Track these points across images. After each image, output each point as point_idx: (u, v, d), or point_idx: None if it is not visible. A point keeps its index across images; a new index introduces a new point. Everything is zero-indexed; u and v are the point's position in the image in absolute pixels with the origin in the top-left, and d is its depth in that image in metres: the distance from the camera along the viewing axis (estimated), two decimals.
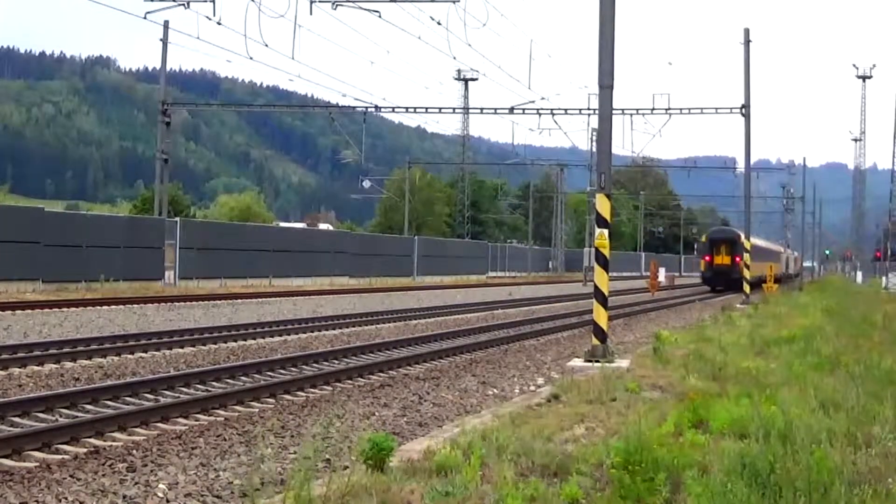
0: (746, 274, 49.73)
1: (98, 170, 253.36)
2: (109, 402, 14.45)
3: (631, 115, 60.50)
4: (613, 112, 20.74)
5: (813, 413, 10.53)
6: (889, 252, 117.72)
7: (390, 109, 65.61)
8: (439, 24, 48.58)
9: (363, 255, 71.04)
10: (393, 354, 22.24)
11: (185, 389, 16.02)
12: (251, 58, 51.75)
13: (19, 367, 17.99)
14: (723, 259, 60.63)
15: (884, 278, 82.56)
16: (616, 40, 19.96)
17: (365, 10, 49.49)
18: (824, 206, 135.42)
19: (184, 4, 48.09)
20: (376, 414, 14.92)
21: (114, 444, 11.99)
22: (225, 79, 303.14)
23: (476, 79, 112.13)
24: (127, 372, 18.34)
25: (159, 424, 13.23)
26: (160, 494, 9.70)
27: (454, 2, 48.89)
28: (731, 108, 55.22)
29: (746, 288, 49.15)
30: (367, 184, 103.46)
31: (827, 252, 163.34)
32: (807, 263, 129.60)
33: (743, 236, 54.73)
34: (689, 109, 59.86)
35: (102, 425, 12.56)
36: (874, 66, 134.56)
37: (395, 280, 71.65)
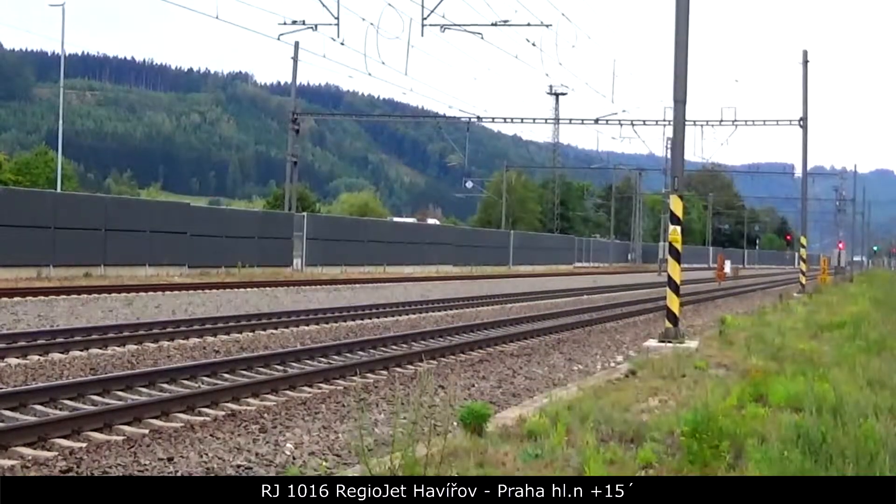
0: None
1: (236, 170, 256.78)
2: (245, 372, 14.67)
3: (701, 126, 60.50)
4: (686, 123, 20.47)
5: (861, 390, 10.28)
6: None
7: (490, 120, 66.26)
8: (534, 45, 48.66)
9: (465, 247, 71.10)
10: (490, 334, 22.14)
11: (309, 362, 16.17)
12: (370, 74, 52.75)
13: (168, 341, 18.34)
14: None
15: None
16: (689, 59, 19.71)
17: (469, 32, 49.57)
18: (873, 207, 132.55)
19: (312, 27, 48.58)
20: (475, 385, 14.94)
21: (248, 408, 12.17)
22: (347, 92, 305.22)
23: (566, 93, 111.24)
24: (260, 346, 18.59)
25: (287, 392, 13.39)
26: (287, 452, 9.83)
27: (547, 26, 48.91)
28: (790, 121, 54.36)
29: (802, 279, 48.33)
30: (469, 184, 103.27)
31: (875, 248, 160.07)
32: (857, 258, 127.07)
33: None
34: (753, 121, 59.70)
35: (238, 392, 12.77)
36: None
37: (493, 268, 71.55)
